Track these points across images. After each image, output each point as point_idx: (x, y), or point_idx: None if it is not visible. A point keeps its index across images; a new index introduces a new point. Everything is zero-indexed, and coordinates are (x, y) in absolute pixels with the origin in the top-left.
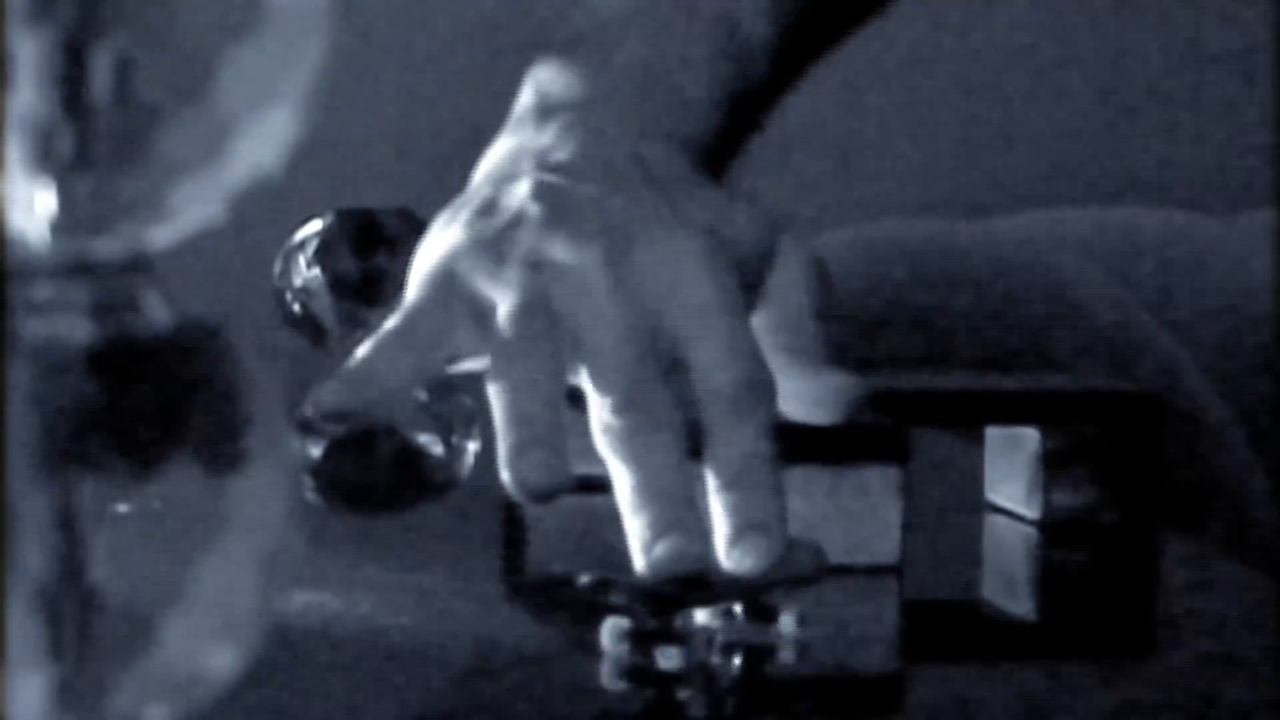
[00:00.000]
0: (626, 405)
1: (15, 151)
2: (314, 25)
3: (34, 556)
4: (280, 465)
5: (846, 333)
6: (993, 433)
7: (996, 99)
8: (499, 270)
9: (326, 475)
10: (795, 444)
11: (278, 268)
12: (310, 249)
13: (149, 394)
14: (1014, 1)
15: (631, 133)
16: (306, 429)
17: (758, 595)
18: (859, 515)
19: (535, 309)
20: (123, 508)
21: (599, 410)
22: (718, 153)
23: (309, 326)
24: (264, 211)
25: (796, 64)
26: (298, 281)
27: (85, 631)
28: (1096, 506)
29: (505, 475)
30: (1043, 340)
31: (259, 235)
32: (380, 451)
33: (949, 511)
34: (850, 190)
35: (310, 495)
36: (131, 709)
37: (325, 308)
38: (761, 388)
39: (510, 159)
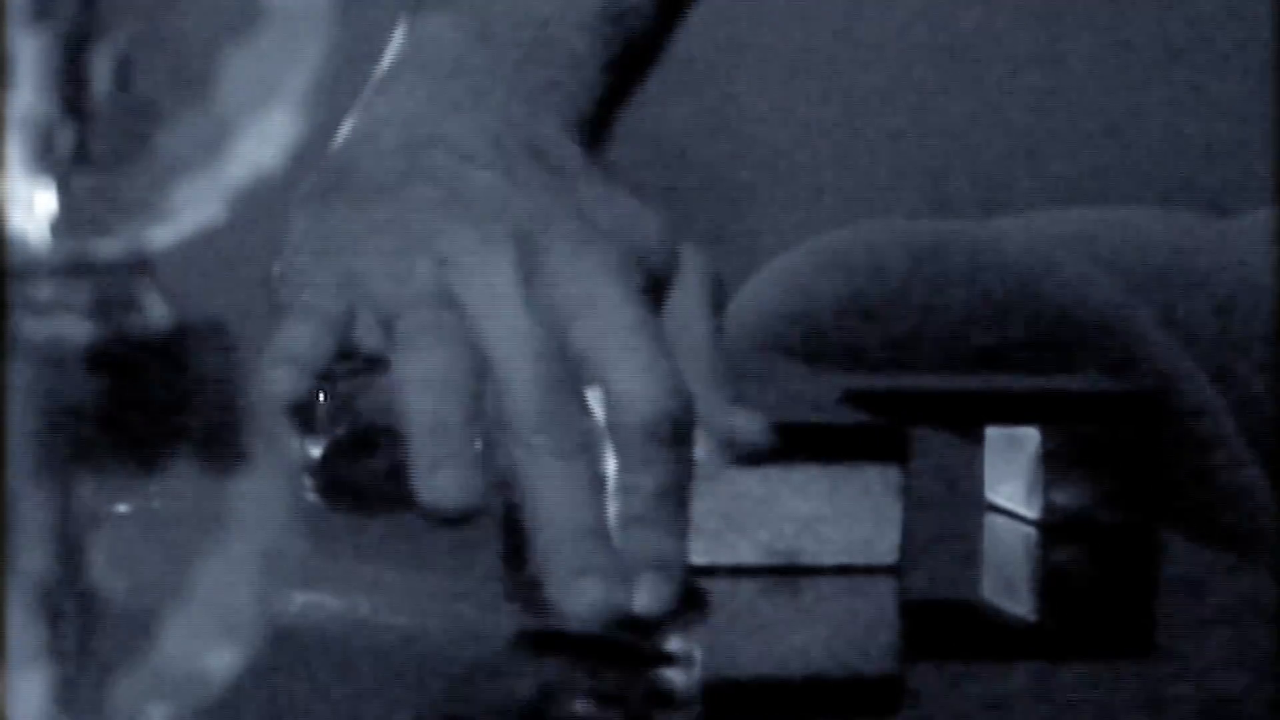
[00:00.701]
0: (541, 427)
1: (15, 151)
2: (314, 25)
3: (34, 556)
4: (280, 465)
5: (846, 332)
6: (993, 433)
7: (996, 98)
8: (400, 261)
9: (326, 475)
10: (795, 444)
11: (278, 268)
12: None
13: (149, 394)
14: (1014, 0)
15: (521, 106)
16: (306, 429)
17: (651, 634)
18: (859, 515)
19: (441, 304)
20: (123, 508)
21: (508, 429)
22: (601, 122)
23: None
24: (264, 211)
25: (671, 18)
26: None
27: (85, 631)
28: (1096, 506)
29: (416, 493)
30: (1042, 340)
31: (259, 235)
32: (380, 451)
33: (949, 511)
34: (850, 190)
35: (310, 495)
36: (131, 709)
37: None
38: (680, 421)
39: (386, 125)
